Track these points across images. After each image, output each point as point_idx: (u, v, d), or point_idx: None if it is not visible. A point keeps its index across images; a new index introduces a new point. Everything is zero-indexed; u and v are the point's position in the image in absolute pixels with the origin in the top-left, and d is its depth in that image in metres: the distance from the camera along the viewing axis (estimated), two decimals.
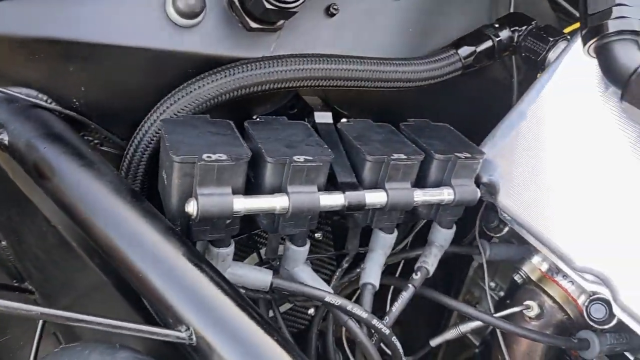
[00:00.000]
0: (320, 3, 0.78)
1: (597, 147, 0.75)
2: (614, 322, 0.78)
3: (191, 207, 0.61)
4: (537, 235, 0.76)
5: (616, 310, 0.72)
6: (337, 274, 0.88)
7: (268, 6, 0.67)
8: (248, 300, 0.60)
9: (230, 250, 0.69)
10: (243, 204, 0.63)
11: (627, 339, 0.83)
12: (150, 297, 0.58)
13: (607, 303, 0.77)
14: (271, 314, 0.88)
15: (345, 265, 0.88)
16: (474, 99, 1.00)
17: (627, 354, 0.85)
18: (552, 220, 0.75)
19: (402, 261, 0.94)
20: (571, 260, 0.74)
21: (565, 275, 0.84)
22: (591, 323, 0.80)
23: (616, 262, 0.71)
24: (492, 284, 1.11)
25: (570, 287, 0.84)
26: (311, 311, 0.99)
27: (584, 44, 0.70)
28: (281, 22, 0.74)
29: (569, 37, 0.85)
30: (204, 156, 0.61)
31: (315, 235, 0.94)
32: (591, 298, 0.81)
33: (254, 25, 0.72)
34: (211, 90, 0.71)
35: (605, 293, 0.74)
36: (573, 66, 0.79)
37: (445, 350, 1.26)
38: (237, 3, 0.71)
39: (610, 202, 0.72)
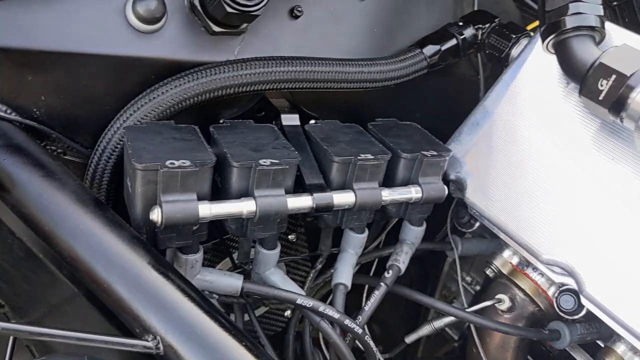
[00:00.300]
0: (284, 5, 0.78)
1: (559, 142, 0.77)
2: (583, 312, 0.79)
3: (156, 215, 0.60)
4: (505, 229, 0.78)
5: (584, 300, 0.74)
6: (311, 275, 0.89)
7: (229, 10, 0.67)
8: (216, 307, 0.60)
9: (198, 256, 0.69)
10: (209, 209, 0.63)
11: (597, 328, 0.85)
12: (116, 307, 0.58)
13: (575, 294, 0.79)
14: (247, 317, 0.88)
15: (319, 266, 0.88)
16: (443, 96, 1.01)
17: (599, 342, 0.87)
18: (518, 214, 0.77)
19: (376, 260, 0.95)
20: (538, 253, 0.75)
21: (535, 268, 0.86)
22: (561, 314, 0.82)
23: (580, 255, 0.72)
24: (468, 279, 1.12)
25: (540, 280, 0.86)
26: (288, 313, 0.99)
27: (543, 40, 0.72)
28: (244, 25, 0.74)
29: (531, 33, 0.87)
30: (167, 163, 0.60)
31: (289, 237, 0.94)
32: (560, 289, 0.82)
33: (216, 29, 0.72)
34: (175, 95, 0.70)
35: (572, 284, 0.75)
36: (535, 62, 0.81)
37: (425, 345, 1.27)
38: (199, 7, 0.71)
39: (573, 195, 0.74)
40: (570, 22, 0.67)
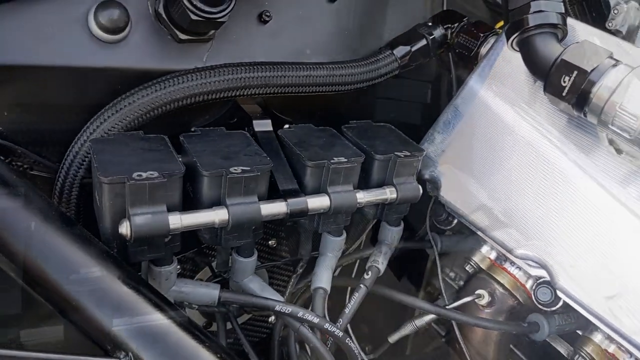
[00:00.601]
0: (252, 10, 0.78)
1: (529, 138, 0.77)
2: (560, 303, 0.80)
3: (124, 229, 0.59)
4: (479, 225, 0.79)
5: (558, 292, 0.75)
6: (293, 280, 0.88)
7: (194, 17, 0.66)
8: (190, 320, 0.59)
9: (172, 268, 0.68)
10: (179, 220, 0.62)
11: (575, 319, 0.86)
12: (86, 325, 0.57)
13: (552, 286, 0.80)
14: (229, 326, 0.87)
15: (299, 270, 0.88)
16: (417, 96, 1.01)
17: (578, 332, 0.88)
18: (490, 211, 0.78)
19: (357, 261, 0.95)
20: (511, 248, 0.76)
21: (512, 262, 0.87)
22: (539, 306, 0.83)
23: (551, 248, 0.73)
24: (452, 274, 1.13)
25: (518, 273, 0.87)
26: (272, 319, 0.98)
27: (507, 38, 0.72)
28: (212, 32, 0.73)
29: (499, 31, 0.88)
30: (134, 175, 0.59)
31: (269, 242, 0.94)
32: (537, 282, 0.83)
33: (183, 36, 0.71)
34: (142, 105, 0.69)
35: (547, 277, 0.76)
36: (503, 60, 0.82)
37: (413, 342, 1.28)
38: (164, 15, 0.70)
39: (542, 191, 0.75)
40: (532, 20, 0.68)
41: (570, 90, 0.65)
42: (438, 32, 0.88)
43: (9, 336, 0.88)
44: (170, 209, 0.62)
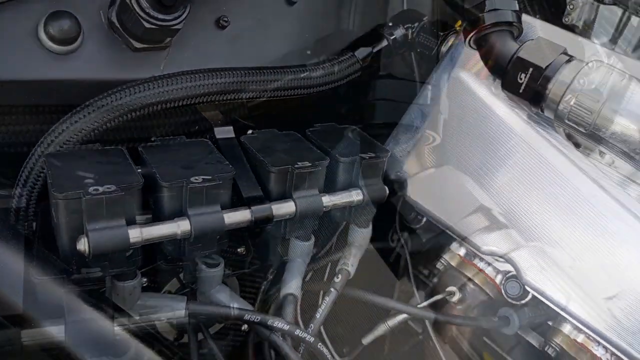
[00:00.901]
0: (210, 16, 0.77)
1: (491, 137, 0.78)
2: (529, 297, 0.81)
3: (82, 245, 0.58)
4: (445, 224, 0.79)
5: (526, 286, 0.76)
6: (263, 286, 0.88)
7: (147, 25, 0.65)
8: (155, 334, 0.58)
9: (136, 282, 0.66)
10: (140, 234, 0.60)
11: (545, 310, 0.88)
12: (47, 343, 0.55)
13: (519, 280, 0.81)
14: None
15: (270, 277, 0.87)
16: (383, 97, 1.01)
17: (549, 322, 0.90)
18: (455, 209, 0.78)
19: (329, 264, 0.95)
20: (477, 245, 0.77)
21: (481, 258, 0.88)
22: (509, 300, 0.84)
23: (514, 243, 0.74)
24: (426, 271, 1.14)
25: (487, 268, 0.88)
26: (245, 327, 0.97)
27: (465, 37, 0.73)
28: (168, 39, 0.72)
29: (459, 30, 0.88)
30: (91, 189, 0.58)
31: (239, 250, 0.93)
32: (506, 276, 0.85)
33: (138, 45, 0.70)
34: (98, 117, 0.67)
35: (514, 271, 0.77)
36: (463, 58, 0.82)
37: (391, 340, 1.28)
38: (117, 24, 0.68)
39: (505, 187, 0.76)
40: (487, 18, 0.69)
41: (527, 87, 0.66)
42: (399, 32, 0.89)
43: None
44: (129, 223, 0.61)
